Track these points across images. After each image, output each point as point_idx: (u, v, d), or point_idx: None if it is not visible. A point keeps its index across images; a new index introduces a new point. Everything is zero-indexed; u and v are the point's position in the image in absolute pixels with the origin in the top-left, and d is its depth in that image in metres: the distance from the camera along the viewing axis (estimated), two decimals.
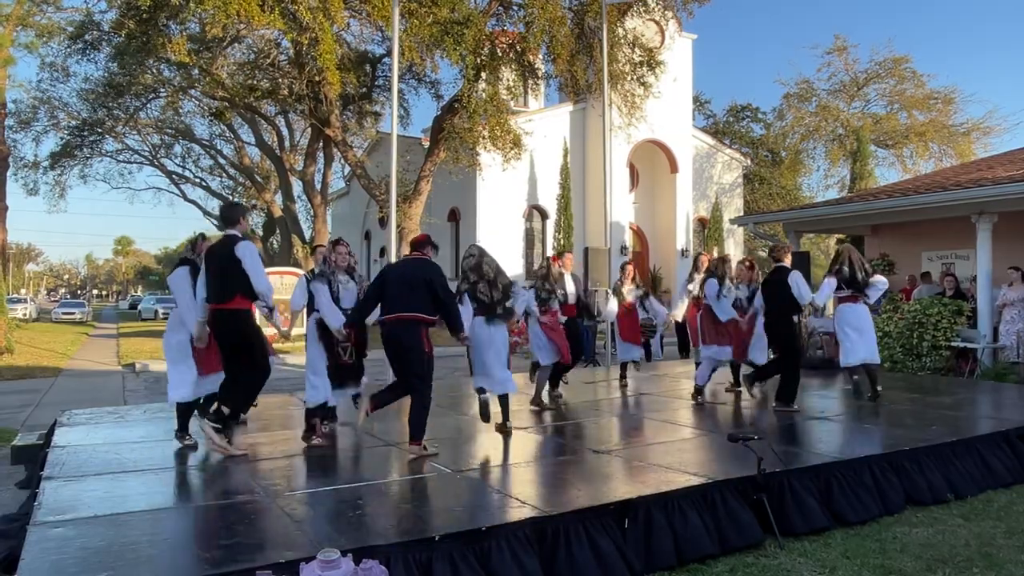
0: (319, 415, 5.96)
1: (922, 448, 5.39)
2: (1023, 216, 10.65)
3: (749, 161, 32.99)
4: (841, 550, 4.18)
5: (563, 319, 7.68)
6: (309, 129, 25.99)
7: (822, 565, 3.96)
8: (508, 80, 20.66)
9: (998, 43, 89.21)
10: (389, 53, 18.31)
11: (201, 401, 5.94)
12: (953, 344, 10.53)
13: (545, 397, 7.69)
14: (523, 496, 4.35)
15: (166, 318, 6.58)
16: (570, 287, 8.06)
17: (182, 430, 5.84)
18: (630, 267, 9.07)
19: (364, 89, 23.01)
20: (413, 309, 5.33)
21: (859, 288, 7.72)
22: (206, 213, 39.11)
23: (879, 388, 7.70)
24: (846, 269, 7.71)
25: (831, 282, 7.73)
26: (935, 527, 4.57)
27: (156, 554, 3.41)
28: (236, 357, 5.42)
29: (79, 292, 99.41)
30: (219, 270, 5.35)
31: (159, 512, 4.05)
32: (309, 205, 27.44)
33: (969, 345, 10.49)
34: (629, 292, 8.80)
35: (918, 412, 7.02)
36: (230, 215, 5.65)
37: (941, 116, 33.43)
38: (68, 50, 23.08)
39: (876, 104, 35.18)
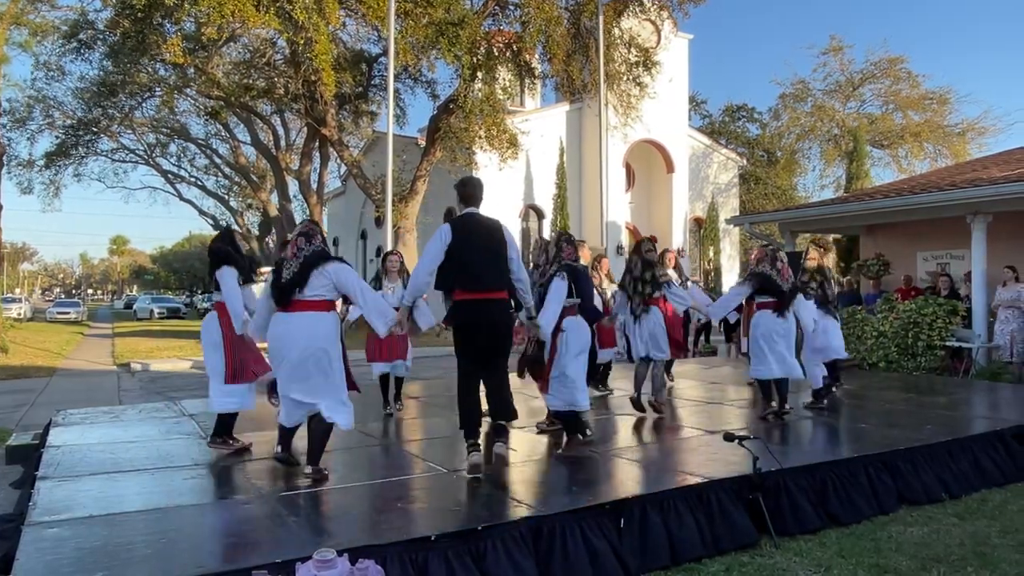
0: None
1: (917, 448, 5.40)
2: (1018, 216, 10.69)
3: (745, 161, 33.06)
4: (836, 549, 4.18)
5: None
6: (305, 128, 25.96)
7: (817, 564, 3.96)
8: (504, 80, 20.68)
9: (993, 43, 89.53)
10: (385, 53, 18.32)
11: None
12: (948, 344, 10.57)
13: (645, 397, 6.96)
14: (519, 496, 4.36)
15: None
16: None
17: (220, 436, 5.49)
18: (605, 261, 8.49)
19: (360, 88, 23.00)
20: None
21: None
22: (201, 212, 39.12)
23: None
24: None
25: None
26: (930, 526, 4.58)
27: (151, 554, 3.40)
28: (498, 355, 4.76)
29: (74, 292, 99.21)
30: (492, 253, 4.69)
31: (155, 512, 4.03)
32: (305, 205, 27.42)
33: (964, 345, 10.52)
34: (608, 288, 8.14)
35: (913, 412, 7.04)
36: (477, 192, 4.88)
37: (936, 116, 33.56)
38: (63, 49, 23.01)
39: (871, 104, 35.35)
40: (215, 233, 5.12)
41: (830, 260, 7.57)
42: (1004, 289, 10.28)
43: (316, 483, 4.56)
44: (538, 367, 5.66)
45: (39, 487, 4.55)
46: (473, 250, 4.62)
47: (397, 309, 4.87)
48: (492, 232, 4.74)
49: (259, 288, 5.64)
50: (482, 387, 4.84)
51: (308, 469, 4.67)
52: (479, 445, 4.64)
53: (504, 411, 4.75)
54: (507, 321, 4.78)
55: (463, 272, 4.60)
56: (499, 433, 4.78)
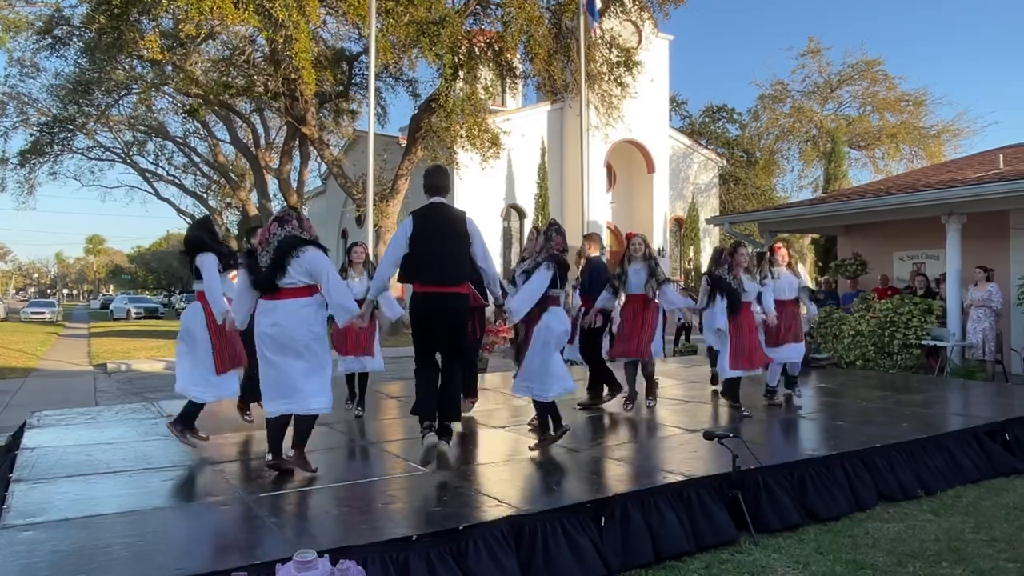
0: None
1: (893, 445, 5.48)
2: (992, 217, 10.87)
3: (725, 161, 33.30)
4: (814, 546, 4.23)
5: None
6: (285, 127, 25.77)
7: (796, 561, 4.00)
8: (486, 79, 20.68)
9: (968, 47, 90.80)
10: (366, 51, 18.25)
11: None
12: (923, 343, 10.72)
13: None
14: (500, 495, 4.35)
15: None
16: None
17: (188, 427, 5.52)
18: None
19: (341, 87, 22.88)
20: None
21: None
22: (180, 211, 38.68)
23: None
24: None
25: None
26: (906, 523, 4.64)
27: (129, 556, 3.36)
28: (453, 349, 4.82)
29: (49, 291, 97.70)
30: (452, 246, 4.67)
31: (132, 514, 3.99)
32: (285, 204, 27.21)
33: (939, 343, 10.67)
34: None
35: (889, 409, 7.14)
36: (443, 182, 4.84)
37: (912, 118, 33.96)
38: (37, 45, 22.66)
39: (849, 106, 35.70)
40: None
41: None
42: (976, 289, 10.45)
43: (299, 469, 4.63)
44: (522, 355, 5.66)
45: (13, 490, 4.47)
46: (432, 242, 4.63)
47: (361, 302, 4.95)
48: (454, 224, 4.75)
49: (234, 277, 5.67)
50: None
51: (291, 453, 4.68)
52: (434, 426, 4.70)
53: (449, 410, 4.84)
54: (462, 315, 4.76)
55: (421, 264, 4.63)
56: (442, 432, 4.80)
